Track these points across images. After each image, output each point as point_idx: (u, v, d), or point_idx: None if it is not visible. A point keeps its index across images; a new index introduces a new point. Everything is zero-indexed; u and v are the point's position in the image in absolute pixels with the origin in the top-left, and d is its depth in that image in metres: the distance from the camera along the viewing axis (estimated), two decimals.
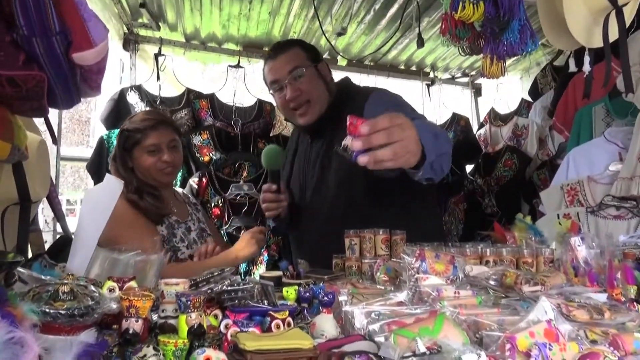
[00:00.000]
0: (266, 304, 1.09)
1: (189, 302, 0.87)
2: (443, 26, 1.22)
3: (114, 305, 0.89)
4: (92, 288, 0.97)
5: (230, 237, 2.50)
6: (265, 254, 2.69)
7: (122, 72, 2.95)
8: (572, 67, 1.62)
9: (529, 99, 3.05)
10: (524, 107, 3.08)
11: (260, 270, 2.71)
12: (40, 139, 1.30)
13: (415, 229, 1.59)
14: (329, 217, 1.68)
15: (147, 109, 2.64)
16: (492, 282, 1.23)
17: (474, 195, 3.07)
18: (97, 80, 1.04)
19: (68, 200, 16.18)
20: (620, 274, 1.19)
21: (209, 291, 1.11)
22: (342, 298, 1.14)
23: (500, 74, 1.27)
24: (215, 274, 1.20)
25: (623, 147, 2.07)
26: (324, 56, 3.18)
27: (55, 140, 1.40)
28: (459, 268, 1.22)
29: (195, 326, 0.87)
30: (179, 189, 2.00)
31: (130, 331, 0.85)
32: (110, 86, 2.68)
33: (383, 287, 1.33)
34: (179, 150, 1.80)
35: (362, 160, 0.86)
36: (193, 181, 2.62)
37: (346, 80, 1.93)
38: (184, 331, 0.86)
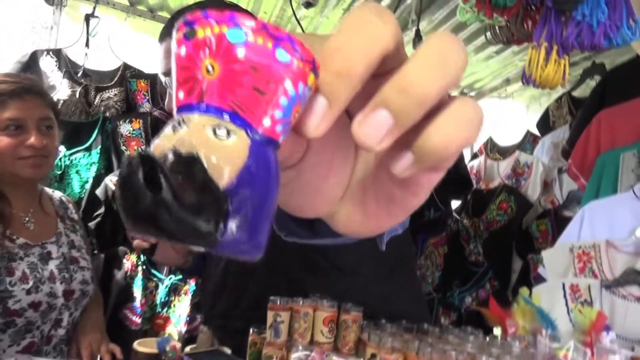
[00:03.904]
0: None
1: None
2: None
3: None
4: None
5: None
6: (192, 283, 2.13)
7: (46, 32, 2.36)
8: None
9: (535, 132, 2.56)
10: (528, 141, 2.59)
11: (183, 301, 2.14)
12: None
13: (381, 302, 1.08)
14: (245, 284, 1.12)
15: (64, 80, 2.07)
16: None
17: (458, 237, 2.56)
18: None
19: None
20: None
21: None
22: None
23: (558, 79, 0.74)
24: None
25: None
26: None
27: None
28: None
29: None
30: (56, 194, 1.42)
31: None
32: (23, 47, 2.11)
33: None
34: (53, 135, 1.25)
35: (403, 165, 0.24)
36: (111, 180, 2.04)
37: None
38: None
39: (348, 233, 0.32)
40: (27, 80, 1.25)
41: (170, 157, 0.18)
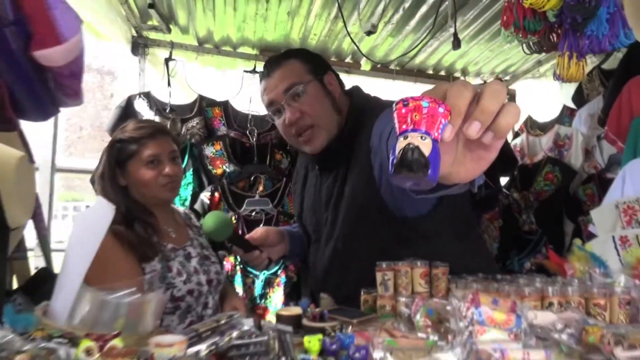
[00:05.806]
0: None
1: None
2: (505, 18, 0.98)
3: None
4: (62, 353, 0.76)
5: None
6: (283, 275, 2.47)
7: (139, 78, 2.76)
8: None
9: (571, 105, 2.77)
10: (566, 115, 2.80)
11: (277, 292, 2.48)
12: (19, 155, 1.09)
13: (459, 260, 1.36)
14: (350, 260, 1.46)
15: (156, 117, 2.45)
16: (565, 337, 0.98)
17: (510, 211, 2.79)
18: (73, 87, 0.82)
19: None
20: None
21: (212, 347, 0.92)
22: (378, 355, 0.93)
23: (580, 75, 1.02)
24: (222, 321, 0.99)
25: None
26: (346, 60, 2.97)
27: (32, 159, 1.18)
28: (522, 317, 0.98)
29: None
30: (179, 209, 1.78)
31: None
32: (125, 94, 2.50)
33: (425, 335, 1.09)
34: (179, 163, 1.60)
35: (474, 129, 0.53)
36: (205, 196, 2.41)
37: (357, 91, 1.60)
38: None
39: (459, 181, 0.63)
40: (157, 124, 1.63)
41: (411, 147, 0.50)
